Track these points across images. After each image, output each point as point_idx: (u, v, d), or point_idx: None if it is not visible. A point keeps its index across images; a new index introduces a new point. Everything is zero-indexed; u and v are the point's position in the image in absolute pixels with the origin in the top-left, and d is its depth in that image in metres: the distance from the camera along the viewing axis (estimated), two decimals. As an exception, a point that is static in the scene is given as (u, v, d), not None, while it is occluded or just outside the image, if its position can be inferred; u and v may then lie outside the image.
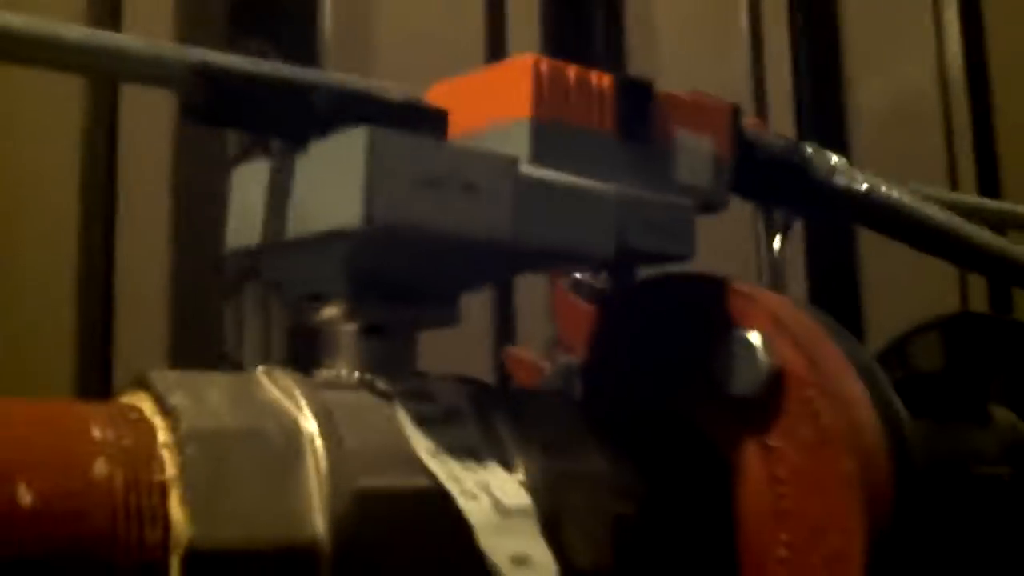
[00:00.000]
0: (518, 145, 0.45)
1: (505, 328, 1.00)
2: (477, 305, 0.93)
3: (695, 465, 0.51)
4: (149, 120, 0.83)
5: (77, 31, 0.53)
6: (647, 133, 0.49)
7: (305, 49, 0.98)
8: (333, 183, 0.41)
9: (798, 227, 1.10)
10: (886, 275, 1.15)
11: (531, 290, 1.00)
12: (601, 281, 0.61)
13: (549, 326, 0.69)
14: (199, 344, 0.83)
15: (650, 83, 0.49)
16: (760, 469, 0.50)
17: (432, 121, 0.45)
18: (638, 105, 0.49)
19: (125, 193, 0.84)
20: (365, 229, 0.39)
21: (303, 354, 0.47)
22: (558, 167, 0.46)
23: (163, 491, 0.36)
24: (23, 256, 0.81)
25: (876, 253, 1.18)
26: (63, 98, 0.82)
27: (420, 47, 0.96)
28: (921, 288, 0.98)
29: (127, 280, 0.83)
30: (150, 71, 0.55)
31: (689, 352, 0.52)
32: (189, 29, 0.88)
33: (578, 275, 0.61)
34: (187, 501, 0.36)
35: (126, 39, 0.55)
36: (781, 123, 1.20)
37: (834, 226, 1.16)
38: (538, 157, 0.45)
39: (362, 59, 0.97)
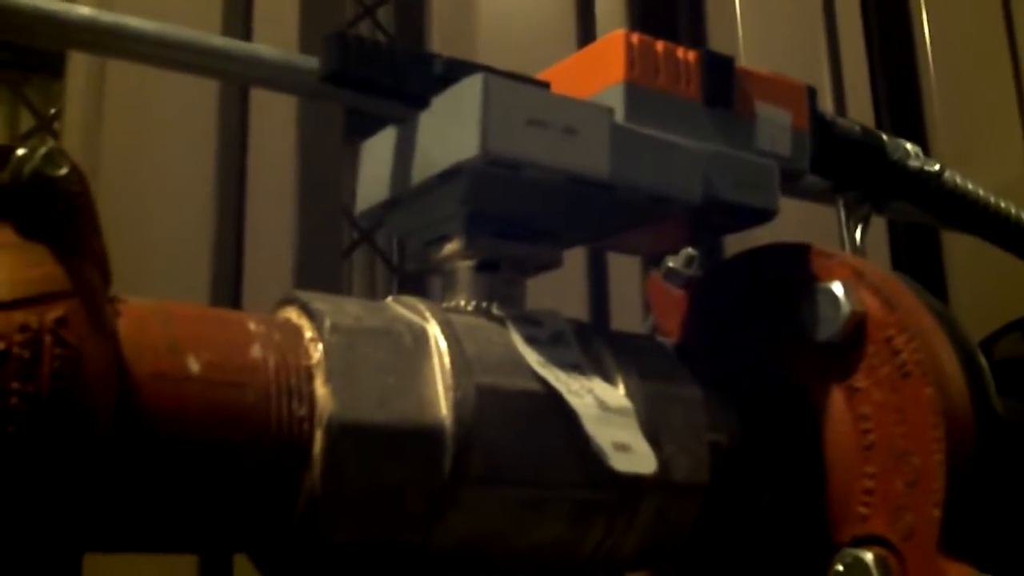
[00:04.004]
0: (614, 106, 0.51)
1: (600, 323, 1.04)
2: (573, 300, 0.97)
3: (785, 409, 0.54)
4: (279, 101, 0.91)
5: (219, 40, 0.60)
6: (730, 102, 0.54)
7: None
8: (452, 126, 0.46)
9: (883, 232, 1.13)
10: (973, 276, 1.16)
11: (625, 287, 1.04)
12: (692, 269, 0.65)
13: (643, 323, 0.73)
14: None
15: (732, 58, 0.55)
16: (846, 410, 0.53)
17: (537, 85, 0.51)
18: (722, 76, 0.54)
19: (254, 173, 0.91)
20: (482, 159, 0.45)
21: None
22: (650, 125, 0.51)
23: (309, 374, 0.41)
24: (160, 229, 0.88)
25: (962, 255, 1.19)
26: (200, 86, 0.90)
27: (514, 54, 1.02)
28: (1011, 289, 0.99)
29: (256, 247, 0.90)
30: (282, 76, 0.62)
31: (777, 310, 0.56)
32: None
33: (670, 263, 0.65)
34: (329, 383, 0.41)
35: (259, 47, 0.63)
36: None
37: (919, 229, 1.17)
38: (632, 115, 0.51)
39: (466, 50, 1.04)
